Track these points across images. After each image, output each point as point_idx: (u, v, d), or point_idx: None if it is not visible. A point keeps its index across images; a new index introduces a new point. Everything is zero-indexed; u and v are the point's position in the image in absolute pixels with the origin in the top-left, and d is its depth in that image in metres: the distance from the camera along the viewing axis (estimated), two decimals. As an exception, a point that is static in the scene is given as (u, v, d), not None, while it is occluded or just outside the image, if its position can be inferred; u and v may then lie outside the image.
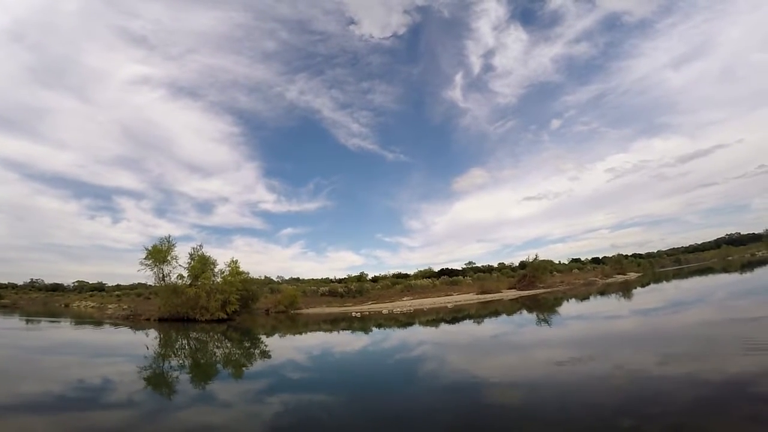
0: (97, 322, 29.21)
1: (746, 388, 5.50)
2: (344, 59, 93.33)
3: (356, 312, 32.39)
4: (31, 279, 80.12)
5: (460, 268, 66.80)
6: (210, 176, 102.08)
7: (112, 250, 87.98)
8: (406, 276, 62.28)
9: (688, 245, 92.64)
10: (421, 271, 64.96)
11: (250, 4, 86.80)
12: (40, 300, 66.10)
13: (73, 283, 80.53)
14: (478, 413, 5.96)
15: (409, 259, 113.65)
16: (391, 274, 63.55)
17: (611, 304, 22.93)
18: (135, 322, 29.14)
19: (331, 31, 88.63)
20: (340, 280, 60.84)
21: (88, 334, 22.86)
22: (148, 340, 19.38)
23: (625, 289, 31.41)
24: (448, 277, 59.14)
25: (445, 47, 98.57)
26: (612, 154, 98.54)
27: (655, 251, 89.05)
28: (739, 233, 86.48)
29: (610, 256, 71.29)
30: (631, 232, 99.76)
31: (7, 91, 78.48)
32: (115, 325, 27.03)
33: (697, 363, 7.04)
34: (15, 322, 29.59)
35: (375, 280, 59.49)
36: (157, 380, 9.97)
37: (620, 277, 53.97)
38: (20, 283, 78.45)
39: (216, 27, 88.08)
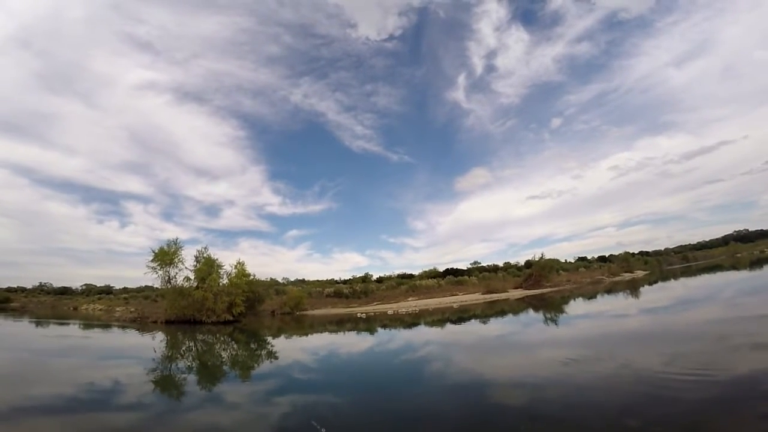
0: (105, 325, 29.49)
1: (757, 387, 5.43)
2: (348, 62, 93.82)
3: (361, 313, 32.42)
4: (40, 282, 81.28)
5: (465, 268, 66.55)
6: (216, 180, 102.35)
7: (119, 254, 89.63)
8: (411, 276, 62.24)
9: (695, 242, 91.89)
10: (426, 271, 64.83)
11: (254, 9, 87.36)
12: (49, 303, 66.85)
13: (81, 286, 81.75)
14: (484, 413, 5.96)
15: (414, 260, 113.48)
16: (396, 275, 63.57)
17: (618, 302, 22.75)
18: (142, 324, 29.37)
19: (334, 35, 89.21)
20: (345, 281, 60.99)
21: (96, 336, 23.09)
22: (156, 342, 19.54)
23: (633, 288, 31.16)
24: (453, 277, 58.97)
25: (448, 49, 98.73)
26: (615, 152, 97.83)
27: (663, 249, 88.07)
28: (747, 230, 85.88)
29: (617, 254, 71.35)
30: (637, 230, 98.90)
31: (16, 97, 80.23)
32: (123, 327, 27.28)
33: (705, 361, 6.97)
34: (25, 325, 29.94)
35: (380, 280, 59.58)
36: (166, 382, 10.07)
37: (627, 276, 53.63)
38: (29, 286, 79.66)
39: (220, 32, 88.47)
